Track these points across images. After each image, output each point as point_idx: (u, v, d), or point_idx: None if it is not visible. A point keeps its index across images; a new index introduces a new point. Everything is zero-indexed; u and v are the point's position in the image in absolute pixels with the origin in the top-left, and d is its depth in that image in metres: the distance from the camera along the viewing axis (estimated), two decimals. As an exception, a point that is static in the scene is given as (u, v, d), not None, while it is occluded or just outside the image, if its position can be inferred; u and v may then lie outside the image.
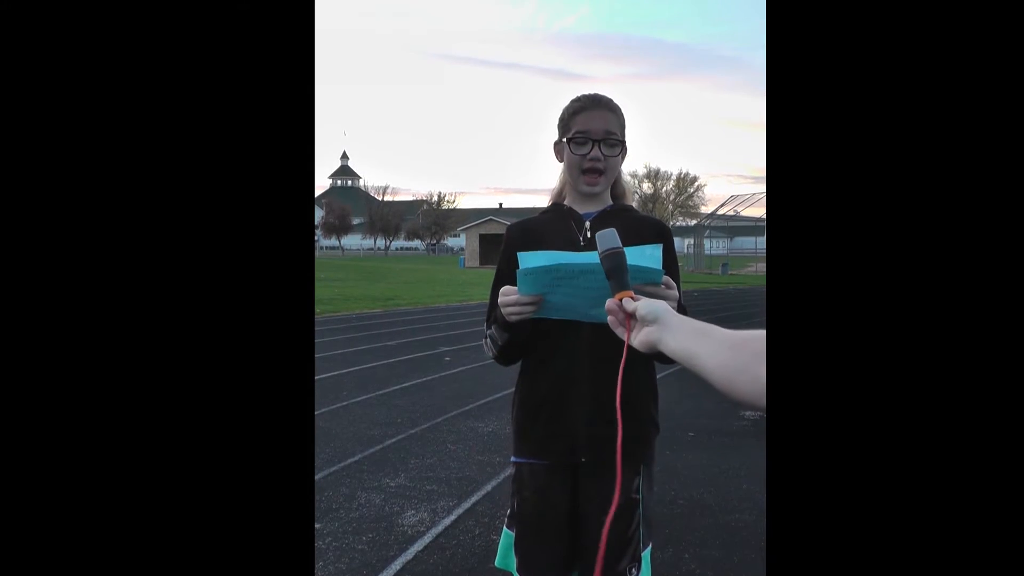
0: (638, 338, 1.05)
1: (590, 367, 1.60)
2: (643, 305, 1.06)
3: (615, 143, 1.62)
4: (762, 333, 0.87)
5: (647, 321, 1.04)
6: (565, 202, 1.73)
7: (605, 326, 1.44)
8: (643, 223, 1.67)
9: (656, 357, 1.17)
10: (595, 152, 1.61)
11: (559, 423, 1.64)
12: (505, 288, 1.50)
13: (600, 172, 1.62)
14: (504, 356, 1.66)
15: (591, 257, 1.32)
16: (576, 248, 1.60)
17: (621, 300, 1.11)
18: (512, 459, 1.75)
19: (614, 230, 1.24)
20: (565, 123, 1.66)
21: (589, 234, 1.64)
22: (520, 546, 1.70)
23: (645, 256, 1.36)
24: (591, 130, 1.61)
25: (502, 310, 1.50)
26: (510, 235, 1.75)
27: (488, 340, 1.66)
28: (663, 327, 1.01)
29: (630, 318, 1.09)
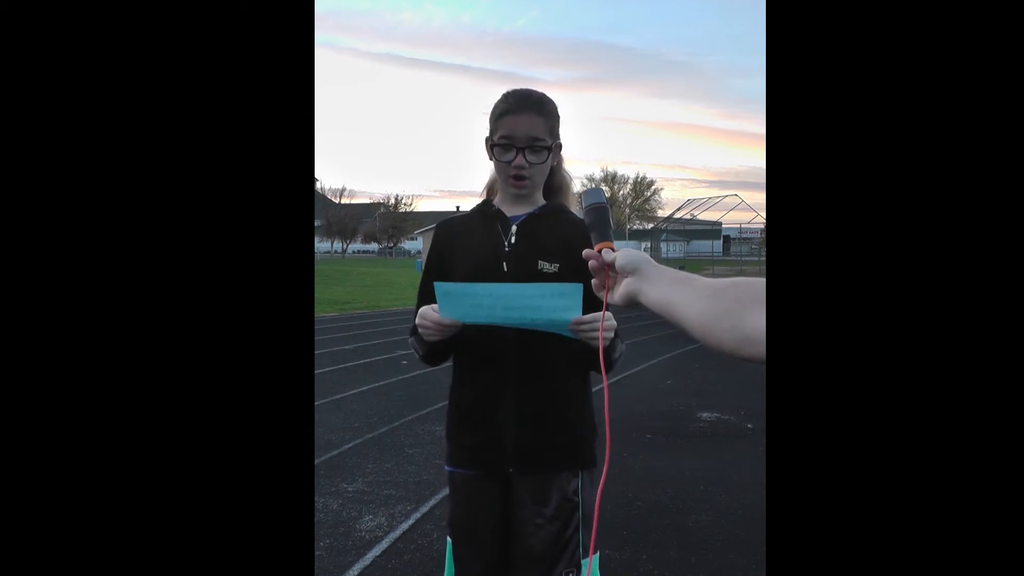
0: (618, 291, 1.01)
1: (516, 376, 1.57)
2: (622, 255, 1.01)
3: (541, 149, 1.55)
4: (746, 280, 0.84)
5: (626, 271, 0.99)
6: (495, 201, 1.67)
7: (530, 333, 1.44)
8: (573, 230, 1.60)
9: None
10: (519, 160, 1.53)
11: (487, 432, 1.60)
12: (423, 310, 1.49)
13: (525, 178, 1.56)
14: (428, 361, 1.64)
15: (512, 287, 1.41)
16: (501, 252, 1.59)
17: (601, 251, 1.07)
18: (445, 467, 1.72)
19: (601, 188, 1.28)
20: (493, 123, 1.58)
21: (515, 239, 1.59)
22: (455, 555, 1.68)
23: (559, 306, 1.36)
24: (515, 136, 1.53)
25: (420, 331, 1.50)
26: (437, 235, 1.71)
27: (413, 340, 1.63)
28: (643, 278, 0.97)
29: (608, 269, 1.04)
